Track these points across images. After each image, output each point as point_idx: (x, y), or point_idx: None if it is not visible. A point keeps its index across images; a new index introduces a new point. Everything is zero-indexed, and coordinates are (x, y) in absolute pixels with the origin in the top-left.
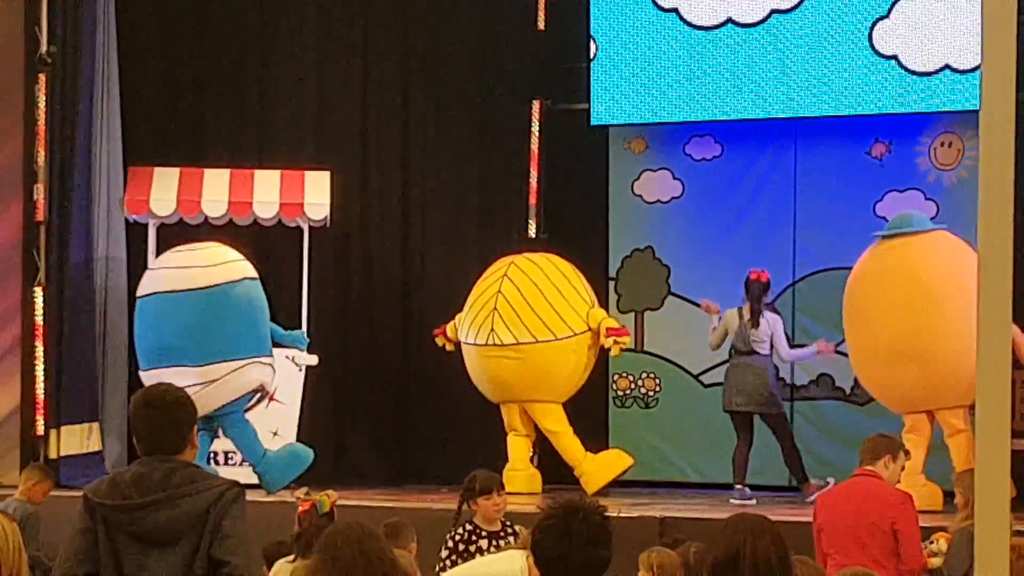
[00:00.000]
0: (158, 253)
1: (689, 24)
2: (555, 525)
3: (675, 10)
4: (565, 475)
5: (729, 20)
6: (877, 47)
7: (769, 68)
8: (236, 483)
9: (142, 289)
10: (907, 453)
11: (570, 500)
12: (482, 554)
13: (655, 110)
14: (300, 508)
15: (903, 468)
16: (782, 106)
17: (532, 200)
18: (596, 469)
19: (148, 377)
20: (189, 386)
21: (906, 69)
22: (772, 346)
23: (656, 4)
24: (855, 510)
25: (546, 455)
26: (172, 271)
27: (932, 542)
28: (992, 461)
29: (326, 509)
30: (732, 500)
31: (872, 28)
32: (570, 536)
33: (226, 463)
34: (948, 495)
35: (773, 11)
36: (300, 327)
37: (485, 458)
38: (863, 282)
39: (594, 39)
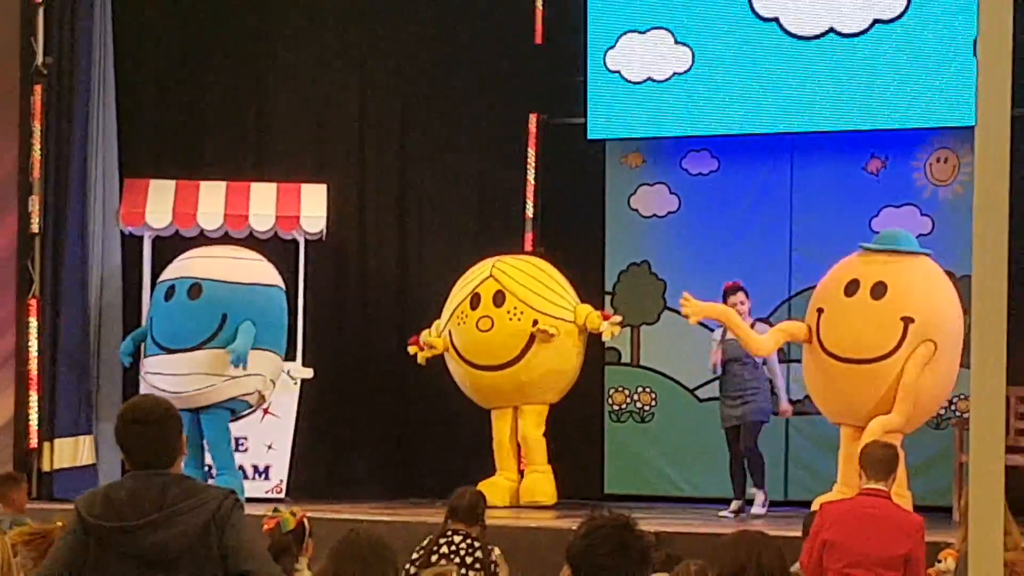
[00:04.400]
0: (153, 265)
1: (676, 40)
2: (611, 535)
3: (664, 27)
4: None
5: (718, 37)
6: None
7: (766, 83)
8: (232, 491)
9: (169, 274)
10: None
11: (621, 514)
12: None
13: (652, 125)
14: (265, 526)
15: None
16: (779, 121)
17: (529, 214)
18: (536, 488)
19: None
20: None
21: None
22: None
23: (650, 20)
24: (875, 536)
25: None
26: (222, 260)
27: (940, 560)
28: (986, 477)
29: (290, 527)
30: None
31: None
32: (626, 550)
33: (237, 449)
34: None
35: (773, 20)
36: (296, 340)
37: (481, 470)
38: (835, 290)
39: (590, 53)
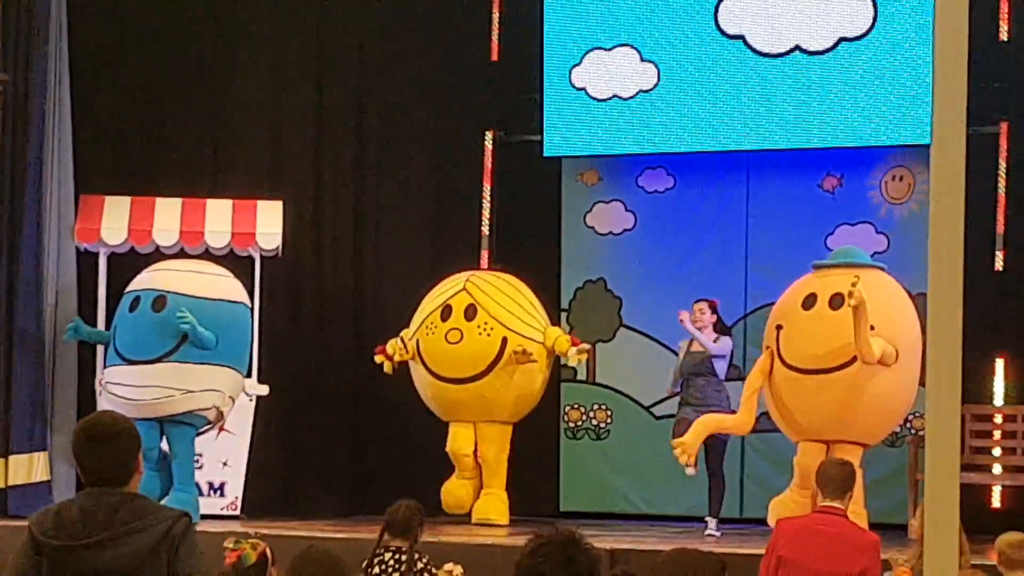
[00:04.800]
0: (108, 282)
1: (642, 57)
2: (557, 553)
3: (629, 44)
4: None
5: (683, 53)
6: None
7: (721, 101)
8: (184, 514)
9: (136, 285)
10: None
11: (567, 530)
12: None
13: (608, 142)
14: (227, 559)
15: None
16: (735, 139)
17: (485, 230)
18: (490, 508)
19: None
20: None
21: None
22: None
23: (609, 37)
24: (829, 553)
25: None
26: (188, 274)
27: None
28: (942, 495)
29: (251, 561)
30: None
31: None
32: (574, 566)
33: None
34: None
35: (739, 37)
36: (251, 357)
37: (439, 487)
38: (793, 305)
39: (547, 71)
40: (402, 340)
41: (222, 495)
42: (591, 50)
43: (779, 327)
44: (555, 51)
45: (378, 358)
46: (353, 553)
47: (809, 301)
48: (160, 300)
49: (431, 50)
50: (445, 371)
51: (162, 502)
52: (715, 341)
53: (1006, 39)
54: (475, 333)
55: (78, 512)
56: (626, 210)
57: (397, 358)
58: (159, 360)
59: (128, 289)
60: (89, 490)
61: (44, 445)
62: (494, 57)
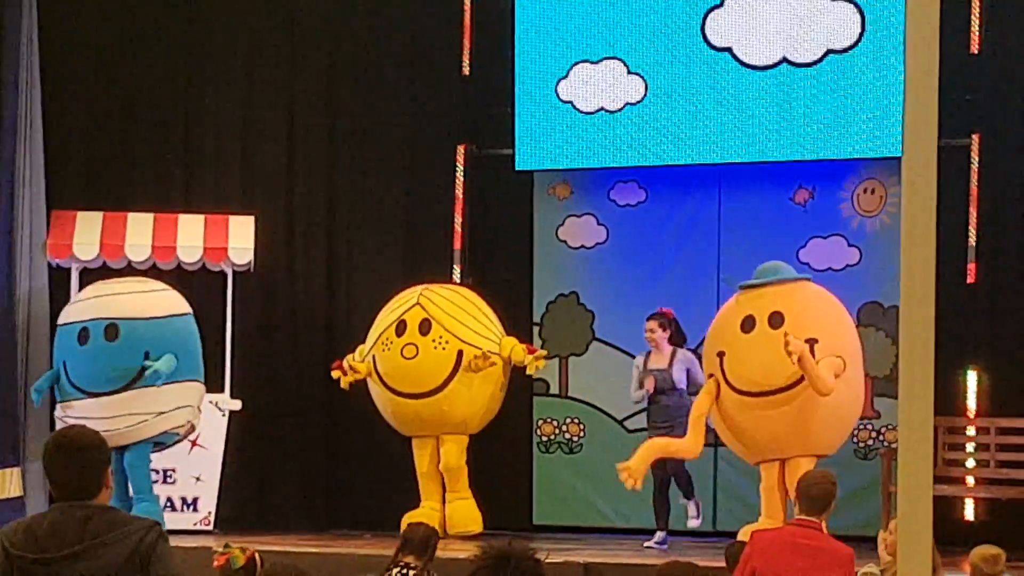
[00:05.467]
0: None
1: (626, 68)
2: (491, 572)
3: (614, 56)
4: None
5: (657, 64)
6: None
7: (692, 114)
8: (156, 523)
9: (77, 315)
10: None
11: (500, 547)
12: None
13: (579, 156)
14: (215, 562)
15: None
16: (706, 152)
17: (457, 244)
18: (464, 517)
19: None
20: (118, 416)
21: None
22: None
23: (581, 50)
24: (804, 565)
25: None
26: (131, 296)
27: None
28: (915, 507)
29: (239, 564)
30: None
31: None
32: None
33: (164, 481)
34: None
35: (717, 49)
36: (224, 372)
37: (410, 502)
38: (726, 329)
39: (518, 83)
40: (348, 363)
41: (195, 510)
42: (578, 63)
43: (721, 354)
44: (530, 64)
45: (335, 373)
46: (326, 567)
47: (748, 324)
48: (112, 328)
49: (403, 64)
50: (403, 386)
51: None
52: (670, 362)
53: (977, 52)
54: (431, 347)
55: (49, 525)
56: (598, 224)
57: (348, 378)
58: (124, 389)
59: (67, 320)
60: (59, 504)
61: (16, 461)
62: (466, 71)
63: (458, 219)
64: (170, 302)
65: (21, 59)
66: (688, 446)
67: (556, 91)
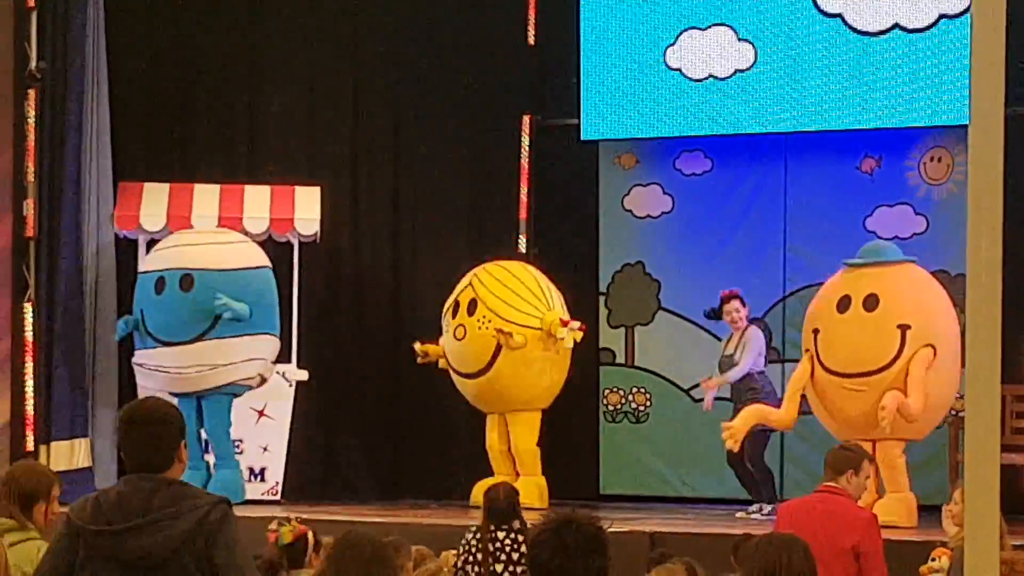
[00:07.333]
0: None
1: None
2: (549, 538)
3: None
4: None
5: (727, 26)
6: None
7: (758, 82)
8: (223, 499)
9: (155, 264)
10: (871, 460)
11: (563, 512)
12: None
13: (645, 125)
14: (269, 538)
15: (868, 478)
16: (772, 121)
17: (522, 215)
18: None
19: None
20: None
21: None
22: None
23: (636, 19)
24: (819, 529)
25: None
26: (208, 248)
27: (933, 559)
28: (982, 475)
29: (286, 541)
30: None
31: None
32: (566, 548)
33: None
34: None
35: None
36: (291, 342)
37: (477, 473)
38: (828, 308)
39: (583, 54)
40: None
41: (263, 480)
42: (686, 30)
43: (816, 331)
44: (592, 34)
45: (419, 349)
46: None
47: (843, 304)
48: (187, 279)
49: (468, 34)
50: (460, 367)
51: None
52: (738, 344)
53: None
54: (475, 328)
55: (115, 498)
56: (664, 193)
57: (421, 360)
58: (198, 339)
59: (146, 268)
60: (127, 476)
61: (86, 432)
62: (531, 41)
63: (523, 189)
64: (248, 254)
65: (88, 33)
66: (783, 418)
67: (664, 58)
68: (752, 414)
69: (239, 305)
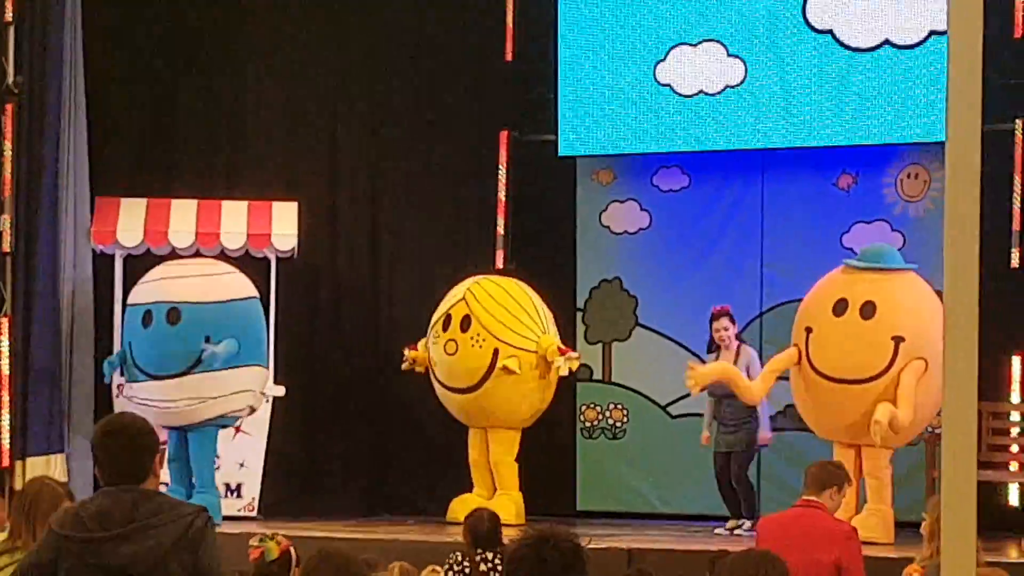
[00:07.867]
0: (125, 284)
1: (655, 55)
2: (527, 555)
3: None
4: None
5: (718, 42)
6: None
7: (737, 100)
8: (203, 508)
9: (142, 297)
10: (850, 482)
11: (541, 529)
12: None
13: (622, 141)
14: (251, 555)
15: (844, 497)
16: (750, 137)
17: (500, 230)
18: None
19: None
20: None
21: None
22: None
23: (619, 36)
24: (800, 544)
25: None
26: (194, 280)
27: None
28: (958, 493)
29: (273, 556)
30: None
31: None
32: (544, 564)
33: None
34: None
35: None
36: (268, 357)
37: (454, 489)
38: (823, 308)
39: (560, 70)
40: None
41: (239, 496)
42: (676, 46)
43: (808, 330)
44: (569, 50)
45: (409, 354)
46: (371, 553)
47: (840, 307)
48: (173, 313)
49: (446, 50)
50: (448, 380)
51: None
52: (735, 360)
53: (1021, 36)
54: (468, 345)
55: (96, 509)
56: (641, 209)
57: (406, 367)
58: (186, 373)
59: (134, 301)
60: (106, 488)
61: (62, 447)
62: (508, 57)
63: (501, 205)
64: (234, 286)
65: (65, 47)
66: (753, 388)
67: (655, 75)
68: (722, 372)
69: (225, 349)
